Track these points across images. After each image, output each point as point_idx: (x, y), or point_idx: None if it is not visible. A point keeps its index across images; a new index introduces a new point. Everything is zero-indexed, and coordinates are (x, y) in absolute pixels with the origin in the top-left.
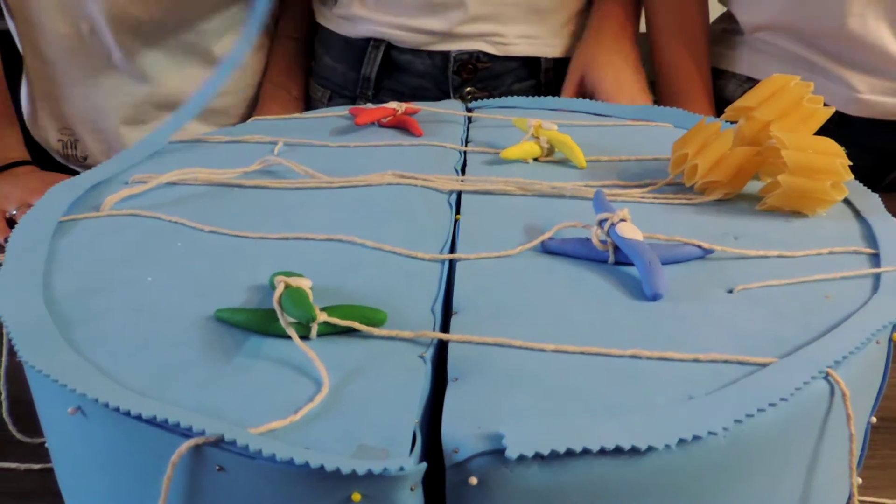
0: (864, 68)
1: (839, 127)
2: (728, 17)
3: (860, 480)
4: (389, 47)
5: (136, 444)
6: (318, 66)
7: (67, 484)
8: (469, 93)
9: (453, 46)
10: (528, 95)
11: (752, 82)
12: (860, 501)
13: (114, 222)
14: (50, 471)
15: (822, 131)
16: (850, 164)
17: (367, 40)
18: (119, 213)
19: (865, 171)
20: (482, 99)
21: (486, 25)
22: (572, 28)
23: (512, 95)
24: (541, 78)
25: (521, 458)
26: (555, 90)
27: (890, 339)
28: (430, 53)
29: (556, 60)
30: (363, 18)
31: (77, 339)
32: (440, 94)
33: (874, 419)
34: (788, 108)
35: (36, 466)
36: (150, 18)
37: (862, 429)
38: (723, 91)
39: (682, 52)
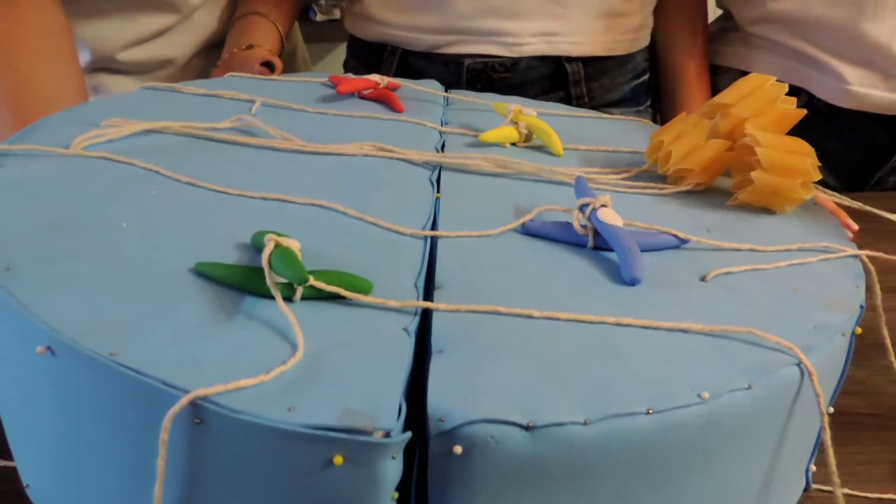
0: (855, 60)
1: (828, 120)
2: (723, 19)
3: (814, 468)
4: (405, 53)
5: (109, 391)
6: (347, 69)
7: (17, 429)
8: None
9: (465, 49)
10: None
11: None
12: (846, 495)
13: (84, 163)
14: None
15: (811, 125)
16: (839, 158)
17: (384, 45)
18: (90, 155)
19: (855, 167)
20: None
21: (496, 21)
22: (610, 23)
23: None
24: (570, 90)
25: (508, 427)
26: (587, 104)
27: (852, 333)
28: (445, 61)
29: (585, 68)
30: (376, 20)
31: (47, 277)
32: None
33: (831, 409)
34: (763, 108)
35: None
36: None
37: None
38: (718, 86)
39: (689, 67)
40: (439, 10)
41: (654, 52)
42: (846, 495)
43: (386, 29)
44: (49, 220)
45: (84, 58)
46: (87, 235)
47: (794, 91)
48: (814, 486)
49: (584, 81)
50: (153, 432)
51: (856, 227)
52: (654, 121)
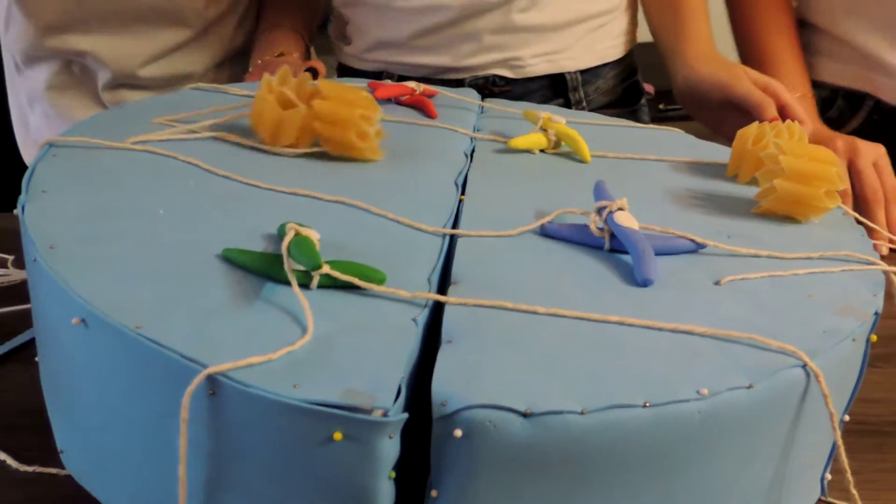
0: None
1: None
2: None
3: (829, 477)
4: (402, 77)
5: (133, 362)
6: None
7: (54, 393)
8: None
9: (468, 74)
10: None
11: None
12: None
13: (131, 156)
14: None
15: (881, 128)
16: None
17: (381, 73)
18: (136, 148)
19: None
20: None
21: (499, 53)
22: (598, 34)
23: None
24: (569, 97)
25: (506, 413)
26: (586, 108)
27: (867, 339)
28: (444, 80)
29: (583, 77)
30: (373, 60)
31: (86, 256)
32: None
33: (847, 417)
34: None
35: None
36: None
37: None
38: None
39: (782, 45)
40: (441, 53)
41: (739, 40)
42: None
43: (384, 66)
44: (92, 206)
45: (105, 75)
46: (126, 220)
47: (860, 96)
48: (825, 498)
49: (582, 86)
50: (171, 401)
51: (885, 251)
52: (640, 118)
